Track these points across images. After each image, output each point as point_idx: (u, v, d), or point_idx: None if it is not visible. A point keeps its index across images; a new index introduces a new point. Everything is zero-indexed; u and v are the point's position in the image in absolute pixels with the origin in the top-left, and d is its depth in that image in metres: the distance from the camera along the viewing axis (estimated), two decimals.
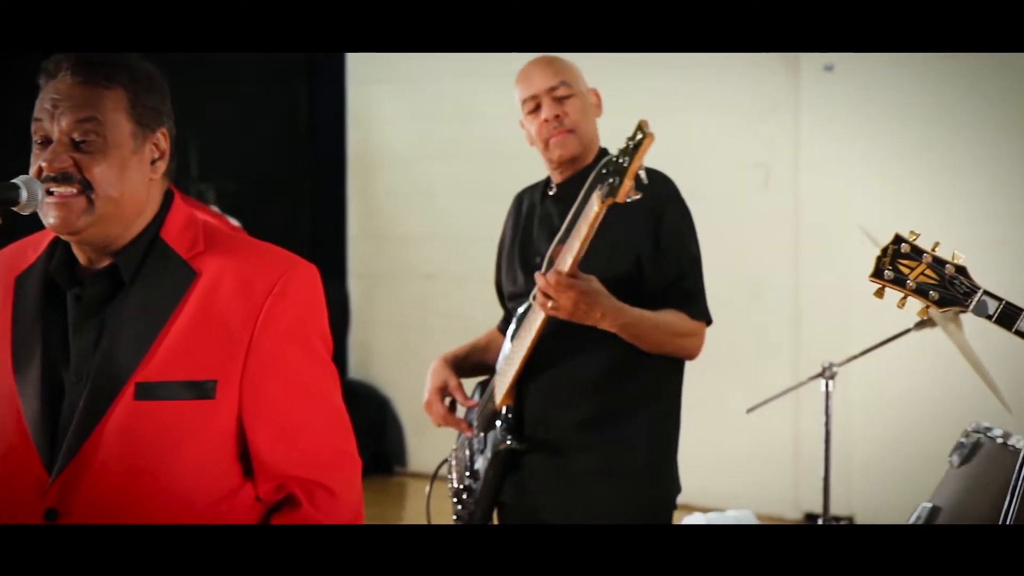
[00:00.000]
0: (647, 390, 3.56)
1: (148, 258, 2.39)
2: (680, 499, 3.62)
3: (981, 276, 2.77)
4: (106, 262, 2.39)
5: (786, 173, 6.79)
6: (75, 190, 2.32)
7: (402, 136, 8.08)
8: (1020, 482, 2.37)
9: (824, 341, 6.45)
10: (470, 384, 3.80)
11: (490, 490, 3.63)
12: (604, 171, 3.23)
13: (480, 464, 3.66)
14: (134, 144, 2.36)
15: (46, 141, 2.34)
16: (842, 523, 5.70)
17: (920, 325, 4.36)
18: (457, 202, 7.82)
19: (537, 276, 3.36)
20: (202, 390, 2.35)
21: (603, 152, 3.59)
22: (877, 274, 2.77)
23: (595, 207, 3.22)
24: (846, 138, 6.60)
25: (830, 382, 4.50)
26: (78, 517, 2.31)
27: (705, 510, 5.05)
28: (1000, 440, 3.80)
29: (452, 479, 3.78)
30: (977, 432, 3.87)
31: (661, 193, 3.48)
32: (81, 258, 2.40)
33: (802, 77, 6.71)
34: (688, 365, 3.62)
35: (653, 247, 3.49)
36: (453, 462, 3.81)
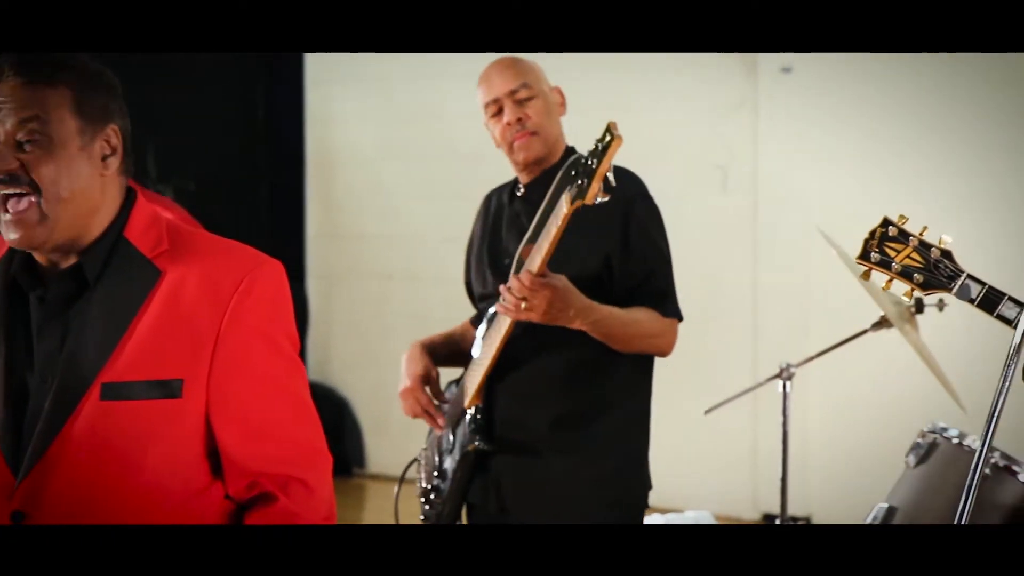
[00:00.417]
0: (617, 389, 3.56)
1: (112, 258, 2.38)
2: None
3: None
4: (69, 262, 2.38)
5: (745, 174, 6.82)
6: (23, 191, 2.30)
7: (361, 136, 8.06)
8: (975, 482, 2.38)
9: (782, 342, 6.47)
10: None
11: (458, 491, 3.62)
12: (572, 172, 3.22)
13: (449, 464, 3.65)
14: (81, 141, 2.34)
15: None
16: (799, 523, 5.72)
17: (877, 326, 4.39)
18: (416, 202, 7.81)
19: (511, 279, 3.35)
20: (169, 389, 2.34)
21: (570, 150, 3.59)
22: (864, 256, 2.80)
23: (564, 209, 3.22)
24: (804, 139, 6.62)
25: (788, 383, 4.51)
26: (45, 518, 2.30)
27: (664, 511, 5.06)
28: (956, 440, 3.82)
29: (421, 479, 3.77)
30: (933, 432, 3.89)
31: (630, 191, 3.48)
32: (41, 259, 2.39)
33: (760, 78, 6.73)
34: None
35: (622, 245, 3.49)
36: (422, 462, 3.80)
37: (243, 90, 8.21)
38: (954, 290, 2.71)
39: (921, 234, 2.76)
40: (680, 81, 6.83)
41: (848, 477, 6.37)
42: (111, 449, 2.31)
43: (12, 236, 2.33)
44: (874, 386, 6.38)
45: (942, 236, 2.77)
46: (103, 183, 2.38)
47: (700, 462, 6.75)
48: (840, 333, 4.53)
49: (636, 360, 3.55)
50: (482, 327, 3.61)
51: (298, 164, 8.29)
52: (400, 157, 7.89)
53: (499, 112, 3.57)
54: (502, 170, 3.78)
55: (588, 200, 3.16)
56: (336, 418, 7.98)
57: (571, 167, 3.23)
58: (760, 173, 6.80)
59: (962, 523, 2.37)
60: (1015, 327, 2.57)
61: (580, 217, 3.24)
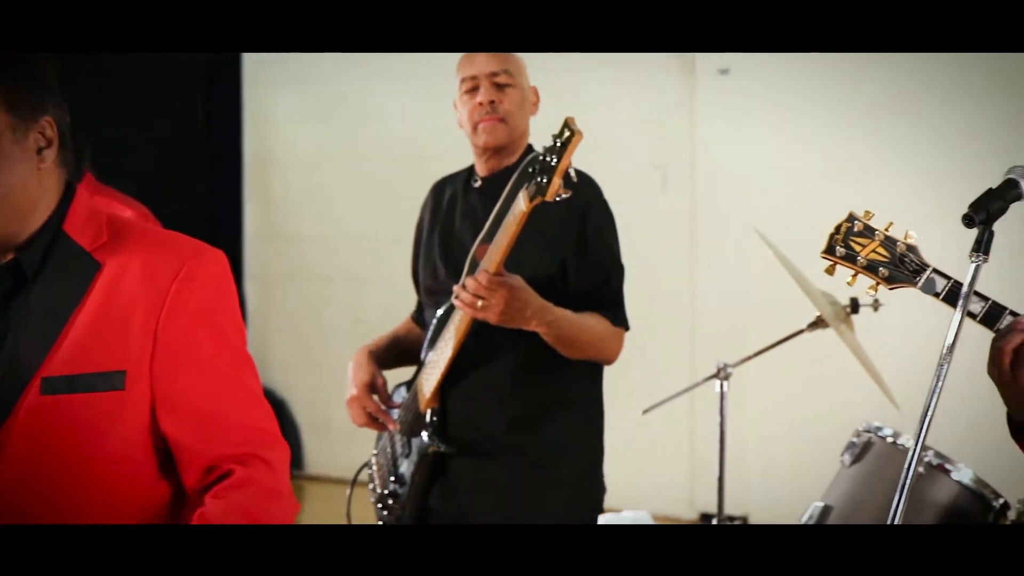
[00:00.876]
0: (571, 392, 3.56)
1: (51, 252, 2.36)
2: None
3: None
4: (7, 258, 2.36)
5: (683, 175, 6.84)
6: None
7: (299, 137, 8.03)
8: (909, 480, 2.41)
9: (719, 342, 6.50)
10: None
11: (418, 494, 3.60)
12: (530, 169, 3.21)
13: (405, 468, 3.62)
14: (13, 135, 2.31)
15: None
16: (736, 523, 5.74)
17: (813, 326, 4.42)
18: (355, 204, 7.79)
19: (468, 279, 3.34)
20: (111, 382, 2.32)
21: (530, 149, 3.58)
22: (829, 251, 2.81)
23: (522, 206, 3.20)
24: (742, 140, 6.66)
25: (725, 383, 4.54)
26: None
27: (602, 511, 5.07)
28: (890, 439, 3.86)
29: (375, 485, 3.74)
30: (868, 431, 3.93)
31: (585, 194, 3.48)
32: None
33: (698, 80, 6.77)
34: None
35: (578, 249, 3.48)
36: (375, 467, 3.77)
37: (182, 92, 8.16)
38: (919, 284, 2.72)
39: (887, 229, 2.78)
40: (618, 82, 6.85)
41: (784, 476, 6.42)
42: (54, 444, 2.29)
43: None
44: (810, 386, 6.43)
45: (908, 231, 2.78)
46: (39, 177, 2.36)
47: (638, 462, 6.77)
48: (777, 333, 4.55)
49: (588, 363, 3.55)
50: (432, 328, 3.59)
51: (236, 165, 8.25)
52: (339, 158, 7.87)
53: (474, 90, 3.54)
54: (441, 170, 3.78)
55: (549, 196, 3.14)
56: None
57: (529, 164, 3.22)
58: (698, 174, 6.83)
59: (895, 521, 2.40)
60: (998, 324, 2.59)
61: (536, 218, 3.24)
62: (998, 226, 2.52)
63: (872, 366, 4.10)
